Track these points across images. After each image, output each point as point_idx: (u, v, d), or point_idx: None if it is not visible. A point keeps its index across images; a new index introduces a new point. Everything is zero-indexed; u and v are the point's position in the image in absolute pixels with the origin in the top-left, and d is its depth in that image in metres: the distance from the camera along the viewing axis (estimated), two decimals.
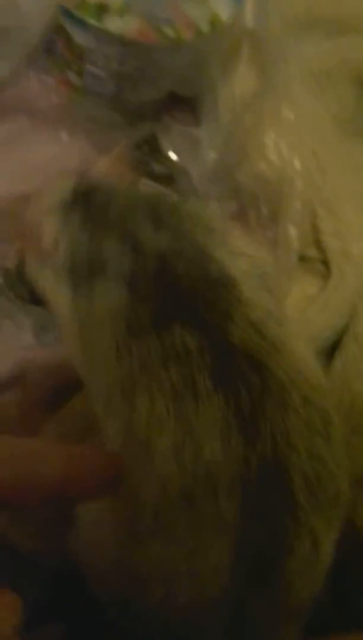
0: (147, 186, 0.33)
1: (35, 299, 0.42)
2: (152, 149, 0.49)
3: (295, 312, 0.44)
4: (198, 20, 0.43)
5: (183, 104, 0.53)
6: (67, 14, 0.42)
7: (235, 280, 0.28)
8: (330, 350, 0.44)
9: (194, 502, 0.26)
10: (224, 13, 0.44)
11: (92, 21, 0.41)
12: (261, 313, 0.28)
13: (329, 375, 0.41)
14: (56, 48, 0.47)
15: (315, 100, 0.48)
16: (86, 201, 0.30)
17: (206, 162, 0.47)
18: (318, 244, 0.44)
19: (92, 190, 0.31)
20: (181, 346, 0.27)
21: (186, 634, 0.28)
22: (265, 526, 0.26)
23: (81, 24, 0.42)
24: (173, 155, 0.48)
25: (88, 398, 0.31)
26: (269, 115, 0.41)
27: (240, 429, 0.26)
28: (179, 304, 0.27)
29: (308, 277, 0.44)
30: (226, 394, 0.26)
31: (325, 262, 0.45)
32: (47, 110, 0.53)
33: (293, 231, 0.40)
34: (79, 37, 0.44)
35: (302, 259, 0.45)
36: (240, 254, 0.31)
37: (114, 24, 0.43)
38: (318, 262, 0.45)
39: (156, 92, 0.50)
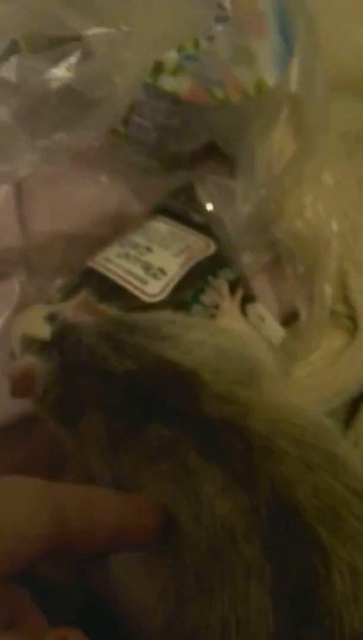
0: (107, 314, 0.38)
1: None
2: (189, 197, 0.51)
3: (323, 365, 0.46)
4: (245, 83, 0.46)
5: (219, 155, 0.56)
6: None
7: (194, 369, 0.32)
8: (354, 403, 0.46)
9: (220, 554, 0.28)
10: (270, 78, 0.46)
11: (148, 79, 0.44)
12: (226, 384, 0.31)
13: (354, 427, 0.44)
14: None
15: (344, 163, 0.51)
16: (60, 343, 0.35)
17: (241, 214, 0.50)
18: (346, 300, 0.47)
19: (65, 331, 0.35)
20: (161, 440, 0.30)
21: None
22: (294, 564, 0.28)
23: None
24: (208, 205, 0.51)
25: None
26: (309, 178, 0.44)
27: (239, 485, 0.29)
28: (149, 409, 0.31)
29: (336, 331, 0.47)
30: (217, 461, 0.29)
31: (352, 318, 0.48)
32: (88, 153, 0.55)
33: (328, 289, 0.43)
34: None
35: (331, 313, 0.47)
36: (200, 341, 0.34)
37: (167, 82, 0.45)
38: (345, 317, 0.47)
39: (196, 144, 0.52)
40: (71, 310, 0.36)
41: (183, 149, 0.52)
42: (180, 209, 0.50)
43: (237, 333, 0.40)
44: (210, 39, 0.45)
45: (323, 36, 0.52)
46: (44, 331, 0.35)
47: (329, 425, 0.32)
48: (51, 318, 0.36)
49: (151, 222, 0.47)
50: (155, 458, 0.30)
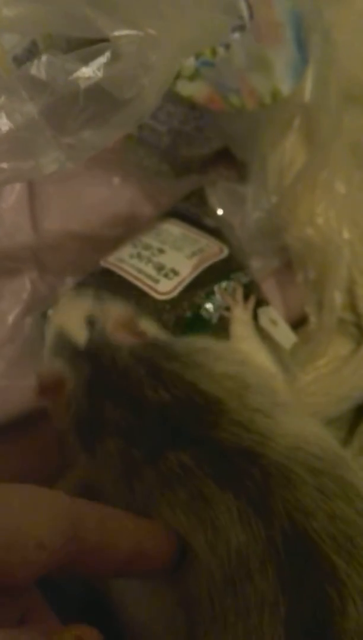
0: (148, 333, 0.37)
1: None
2: (200, 201, 0.52)
3: (329, 371, 0.47)
4: (261, 91, 0.47)
5: (229, 160, 0.56)
6: None
7: (219, 399, 0.32)
8: (359, 410, 0.47)
9: (235, 586, 0.28)
10: (285, 87, 0.47)
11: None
12: (247, 414, 0.32)
13: (359, 434, 0.44)
14: None
15: (352, 174, 0.52)
16: (94, 358, 0.34)
17: (251, 220, 0.51)
18: (353, 308, 0.48)
19: (101, 346, 0.34)
20: (179, 467, 0.30)
21: None
22: (309, 595, 0.28)
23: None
24: (219, 210, 0.51)
25: None
26: (322, 186, 0.44)
27: (256, 514, 0.29)
28: (167, 437, 0.31)
29: (343, 338, 0.48)
30: (233, 490, 0.29)
31: (359, 326, 0.48)
32: (101, 154, 0.55)
33: (338, 297, 0.43)
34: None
35: (338, 320, 0.48)
36: (228, 373, 0.34)
37: (184, 87, 0.46)
38: (352, 325, 0.48)
39: (207, 149, 0.53)
40: (111, 323, 0.36)
41: (195, 154, 0.53)
42: (192, 213, 0.50)
43: (258, 363, 0.39)
44: (227, 46, 0.46)
45: (336, 49, 0.53)
46: (81, 334, 0.35)
47: (341, 452, 0.32)
48: (91, 322, 0.36)
49: (164, 224, 0.48)
50: (171, 486, 0.30)
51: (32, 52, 0.45)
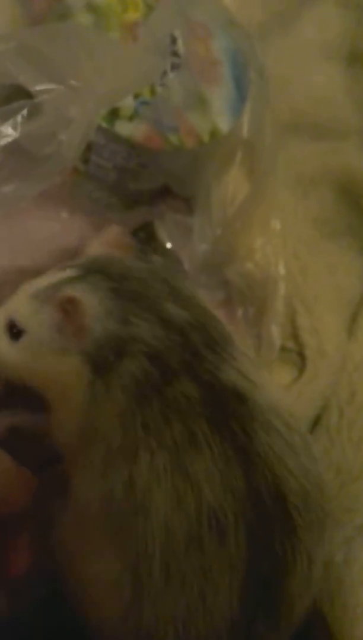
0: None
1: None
2: (148, 236, 0.52)
3: None
4: (200, 130, 0.48)
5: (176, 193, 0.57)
6: None
7: (227, 341, 0.32)
8: None
9: (201, 546, 0.28)
10: (224, 125, 0.48)
11: (104, 124, 0.45)
12: (245, 363, 0.32)
13: None
14: None
15: (298, 204, 0.53)
16: (104, 271, 0.32)
17: (197, 252, 0.52)
18: (295, 337, 0.49)
19: (105, 261, 0.33)
20: (183, 398, 0.29)
21: None
22: (269, 552, 0.28)
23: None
24: (168, 244, 0.52)
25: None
26: (258, 223, 0.45)
27: (239, 461, 0.29)
28: (186, 363, 0.30)
29: (285, 366, 0.49)
30: (222, 432, 0.29)
31: (301, 354, 0.49)
32: (49, 189, 0.56)
33: (275, 331, 0.44)
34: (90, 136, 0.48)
35: (281, 349, 0.49)
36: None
37: (123, 127, 0.47)
38: (294, 353, 0.49)
39: (154, 184, 0.54)
40: (97, 248, 0.34)
41: (142, 187, 0.54)
42: (139, 249, 0.51)
43: None
44: (164, 85, 0.47)
45: (280, 81, 0.54)
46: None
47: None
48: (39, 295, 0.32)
49: None
50: (169, 418, 0.29)
51: None
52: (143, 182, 0.53)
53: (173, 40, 0.48)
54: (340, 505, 0.41)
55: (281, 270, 0.45)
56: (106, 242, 0.36)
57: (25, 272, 0.53)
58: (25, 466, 0.37)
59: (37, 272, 0.54)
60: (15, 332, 0.32)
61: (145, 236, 0.53)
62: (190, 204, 0.56)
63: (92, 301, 0.30)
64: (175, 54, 0.48)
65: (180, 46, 0.48)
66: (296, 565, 0.29)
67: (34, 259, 0.54)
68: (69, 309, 0.30)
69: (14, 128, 0.32)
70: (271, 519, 0.28)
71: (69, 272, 0.32)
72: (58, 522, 0.33)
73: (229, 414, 0.30)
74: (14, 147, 0.33)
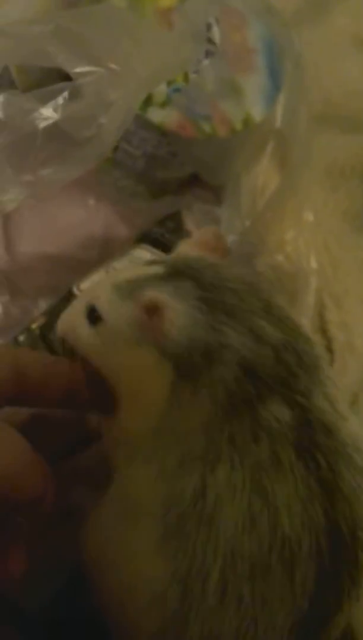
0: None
1: None
2: (176, 226, 0.52)
3: None
4: (233, 118, 0.47)
5: (206, 182, 0.57)
6: None
7: (318, 365, 0.30)
8: None
9: (268, 573, 0.26)
10: (257, 114, 0.47)
11: (137, 110, 0.45)
12: (334, 390, 0.30)
13: None
14: None
15: (328, 197, 0.52)
16: (195, 276, 0.29)
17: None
18: (323, 332, 0.48)
19: (197, 266, 0.30)
20: (275, 420, 0.27)
21: None
22: (332, 590, 0.27)
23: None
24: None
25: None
26: (290, 215, 0.45)
27: (321, 495, 0.27)
28: (278, 383, 0.28)
29: None
30: (306, 461, 0.27)
31: (329, 349, 0.49)
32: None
33: (306, 324, 0.44)
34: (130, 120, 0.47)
35: None
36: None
37: (156, 114, 0.46)
38: (323, 347, 0.48)
39: (182, 173, 0.53)
40: (189, 248, 0.32)
41: (170, 176, 0.53)
42: (166, 239, 0.50)
43: None
44: (198, 73, 0.46)
45: (312, 71, 0.53)
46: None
47: None
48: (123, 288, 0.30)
49: (136, 250, 0.48)
50: (257, 439, 0.27)
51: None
52: (171, 170, 0.52)
53: (208, 27, 0.47)
54: None
55: (313, 263, 0.45)
56: (200, 243, 0.33)
57: (51, 259, 0.53)
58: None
59: (61, 259, 0.54)
60: (95, 317, 0.31)
61: (173, 226, 0.52)
62: (218, 194, 0.56)
63: (177, 308, 0.28)
64: (210, 41, 0.47)
65: (215, 33, 0.48)
66: (346, 605, 0.27)
67: (59, 246, 0.54)
68: (151, 312, 0.28)
69: (55, 110, 0.32)
70: (342, 557, 0.27)
71: (156, 269, 0.30)
72: (91, 516, 0.32)
73: (316, 444, 0.28)
74: (54, 130, 0.32)
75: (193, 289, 0.28)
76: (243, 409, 0.28)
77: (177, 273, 0.29)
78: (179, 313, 0.28)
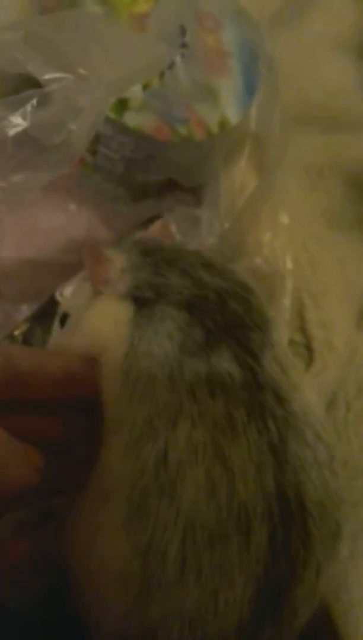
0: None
1: None
2: None
3: None
4: (209, 121, 0.47)
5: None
6: None
7: (270, 323, 0.32)
8: None
9: (226, 541, 0.27)
10: (232, 116, 0.48)
11: (113, 115, 0.45)
12: (284, 355, 0.31)
13: None
14: None
15: (307, 196, 0.52)
16: (141, 246, 0.34)
17: (205, 245, 0.51)
18: (303, 331, 0.48)
19: (143, 239, 0.35)
20: (227, 375, 0.29)
21: None
22: (285, 557, 0.28)
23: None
24: (177, 237, 0.52)
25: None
26: (266, 218, 0.45)
27: (273, 461, 0.28)
28: (229, 331, 0.30)
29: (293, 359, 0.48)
30: (258, 425, 0.28)
31: (309, 348, 0.49)
32: (57, 181, 0.56)
33: (283, 325, 0.44)
34: (100, 125, 0.47)
35: (289, 342, 0.48)
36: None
37: (132, 119, 0.47)
38: (302, 346, 0.49)
39: (161, 176, 0.54)
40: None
41: (150, 179, 0.54)
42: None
43: None
44: (173, 76, 0.47)
45: (291, 72, 0.54)
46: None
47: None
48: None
49: None
50: (213, 390, 0.28)
51: None
52: (150, 174, 0.53)
53: (182, 32, 0.48)
54: (347, 499, 0.40)
55: (289, 265, 0.45)
56: (152, 232, 0.39)
57: (32, 263, 0.54)
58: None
59: (43, 263, 0.54)
60: (63, 318, 0.35)
61: None
62: (199, 197, 0.56)
63: (120, 258, 0.33)
64: (184, 45, 0.48)
65: (189, 37, 0.48)
66: (305, 574, 0.28)
67: (41, 250, 0.54)
68: (96, 261, 0.32)
69: (24, 117, 0.32)
70: (292, 524, 0.28)
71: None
72: (75, 504, 0.32)
73: (267, 409, 0.29)
74: (23, 137, 0.33)
75: (135, 247, 0.33)
76: (199, 353, 0.29)
77: (124, 245, 0.34)
78: (121, 260, 0.32)
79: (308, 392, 0.32)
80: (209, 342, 0.29)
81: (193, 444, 0.27)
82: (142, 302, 0.31)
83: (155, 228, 0.39)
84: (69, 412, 0.32)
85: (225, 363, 0.29)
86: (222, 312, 0.30)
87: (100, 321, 0.33)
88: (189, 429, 0.28)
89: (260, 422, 0.28)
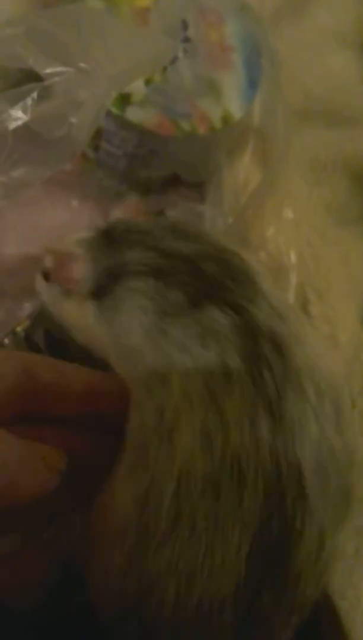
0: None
1: None
2: None
3: None
4: (212, 116, 0.47)
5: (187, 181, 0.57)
6: None
7: (255, 274, 0.31)
8: None
9: (219, 491, 0.26)
10: (236, 111, 0.48)
11: (115, 110, 0.45)
12: (281, 303, 0.30)
13: None
14: None
15: (311, 191, 0.52)
16: (107, 234, 0.34)
17: None
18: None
19: (112, 226, 0.35)
20: (216, 324, 0.28)
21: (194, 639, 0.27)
22: (281, 515, 0.27)
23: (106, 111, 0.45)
24: None
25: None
26: (270, 213, 0.45)
27: (267, 415, 0.27)
28: (208, 289, 0.30)
29: None
30: (254, 377, 0.27)
31: None
32: (60, 177, 0.56)
33: None
34: (101, 120, 0.47)
35: None
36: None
37: (134, 114, 0.46)
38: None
39: (164, 171, 0.53)
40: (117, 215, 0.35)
41: (153, 175, 0.53)
42: None
43: None
44: (176, 71, 0.46)
45: (294, 67, 0.53)
46: None
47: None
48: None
49: None
50: (205, 340, 0.28)
51: None
52: (153, 169, 0.53)
53: (185, 26, 0.47)
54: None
55: (293, 260, 0.44)
56: (126, 211, 0.39)
57: (35, 261, 0.53)
58: None
59: None
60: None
61: None
62: (202, 192, 0.56)
63: (83, 254, 0.33)
64: (187, 39, 0.48)
65: (192, 31, 0.48)
66: (304, 536, 0.27)
67: (43, 247, 0.54)
68: (60, 262, 0.34)
69: (24, 111, 0.32)
70: (286, 480, 0.27)
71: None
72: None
73: (264, 360, 0.28)
74: (24, 131, 0.33)
75: (101, 238, 0.33)
76: (181, 314, 0.29)
77: (91, 239, 0.34)
78: (84, 256, 0.33)
79: (318, 344, 0.31)
80: (194, 302, 0.29)
81: (188, 394, 0.27)
82: (102, 292, 0.32)
83: (128, 207, 0.39)
84: (88, 429, 0.31)
85: (215, 314, 0.29)
86: (197, 274, 0.30)
87: (78, 324, 0.34)
88: (182, 378, 0.27)
89: (256, 372, 0.28)
